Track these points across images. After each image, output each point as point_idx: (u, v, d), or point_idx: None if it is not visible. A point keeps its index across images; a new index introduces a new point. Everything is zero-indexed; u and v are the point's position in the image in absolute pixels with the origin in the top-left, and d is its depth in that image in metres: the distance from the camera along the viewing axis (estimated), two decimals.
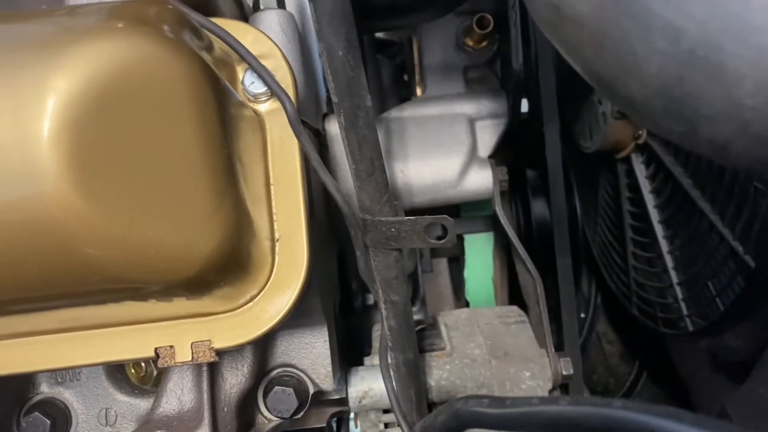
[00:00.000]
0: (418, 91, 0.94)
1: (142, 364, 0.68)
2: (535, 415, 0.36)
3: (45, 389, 0.66)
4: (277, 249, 0.54)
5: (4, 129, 0.39)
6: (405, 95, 1.07)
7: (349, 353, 0.90)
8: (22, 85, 0.40)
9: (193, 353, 0.52)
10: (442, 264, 1.31)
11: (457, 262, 1.25)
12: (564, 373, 0.77)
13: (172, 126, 0.44)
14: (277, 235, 0.55)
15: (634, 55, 0.31)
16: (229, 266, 0.49)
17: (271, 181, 0.55)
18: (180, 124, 0.45)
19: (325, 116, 0.78)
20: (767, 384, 0.88)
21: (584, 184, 1.33)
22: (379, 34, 1.12)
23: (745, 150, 0.30)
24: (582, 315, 1.40)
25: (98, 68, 0.42)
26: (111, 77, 0.42)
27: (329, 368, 0.66)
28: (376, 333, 0.85)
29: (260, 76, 0.54)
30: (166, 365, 0.52)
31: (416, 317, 1.12)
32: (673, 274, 1.04)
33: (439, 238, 0.54)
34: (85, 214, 0.41)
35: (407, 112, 0.87)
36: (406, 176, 0.83)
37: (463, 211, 1.15)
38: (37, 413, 0.63)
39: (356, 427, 0.84)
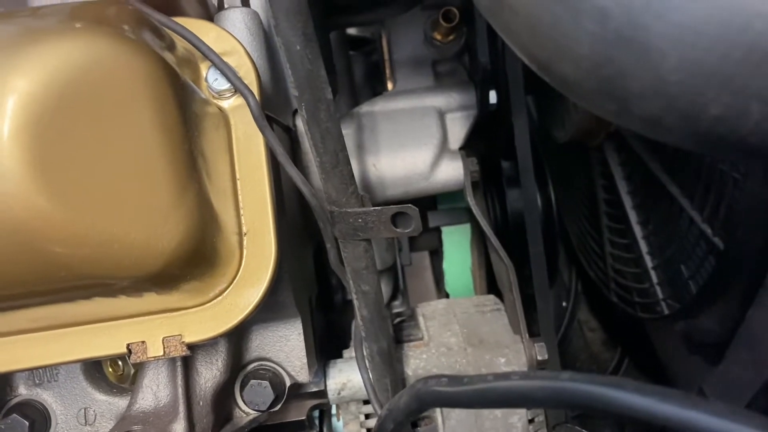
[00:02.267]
0: (389, 86, 0.94)
1: (119, 363, 0.68)
2: (490, 390, 0.37)
3: (23, 391, 0.67)
4: (244, 243, 0.55)
5: None
6: (379, 91, 1.08)
7: (330, 347, 0.91)
8: None
9: (164, 348, 0.53)
10: (426, 259, 1.32)
11: (438, 255, 1.26)
12: (539, 358, 0.78)
13: (132, 124, 0.45)
14: (244, 230, 0.55)
15: (566, 38, 0.32)
16: (196, 260, 0.50)
17: (237, 176, 0.56)
18: (140, 122, 0.45)
19: (296, 113, 0.79)
20: (742, 364, 0.90)
21: (560, 175, 1.34)
22: (352, 32, 1.12)
23: (674, 125, 0.31)
24: (564, 303, 1.42)
25: (58, 68, 0.42)
26: (70, 77, 0.43)
27: (304, 360, 0.67)
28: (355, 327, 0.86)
29: (222, 73, 0.55)
30: (138, 360, 0.53)
31: (399, 310, 1.13)
32: (648, 258, 1.06)
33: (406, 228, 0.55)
34: (47, 213, 0.41)
35: (378, 106, 0.88)
36: (378, 170, 0.84)
37: (440, 204, 1.16)
38: (15, 415, 0.63)
39: (339, 421, 0.85)
